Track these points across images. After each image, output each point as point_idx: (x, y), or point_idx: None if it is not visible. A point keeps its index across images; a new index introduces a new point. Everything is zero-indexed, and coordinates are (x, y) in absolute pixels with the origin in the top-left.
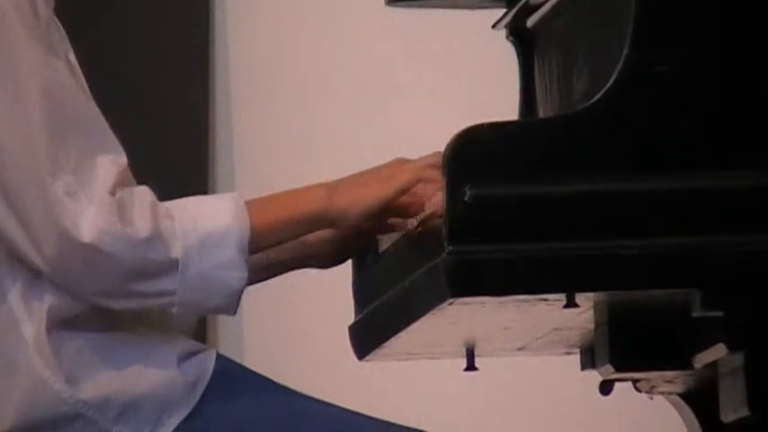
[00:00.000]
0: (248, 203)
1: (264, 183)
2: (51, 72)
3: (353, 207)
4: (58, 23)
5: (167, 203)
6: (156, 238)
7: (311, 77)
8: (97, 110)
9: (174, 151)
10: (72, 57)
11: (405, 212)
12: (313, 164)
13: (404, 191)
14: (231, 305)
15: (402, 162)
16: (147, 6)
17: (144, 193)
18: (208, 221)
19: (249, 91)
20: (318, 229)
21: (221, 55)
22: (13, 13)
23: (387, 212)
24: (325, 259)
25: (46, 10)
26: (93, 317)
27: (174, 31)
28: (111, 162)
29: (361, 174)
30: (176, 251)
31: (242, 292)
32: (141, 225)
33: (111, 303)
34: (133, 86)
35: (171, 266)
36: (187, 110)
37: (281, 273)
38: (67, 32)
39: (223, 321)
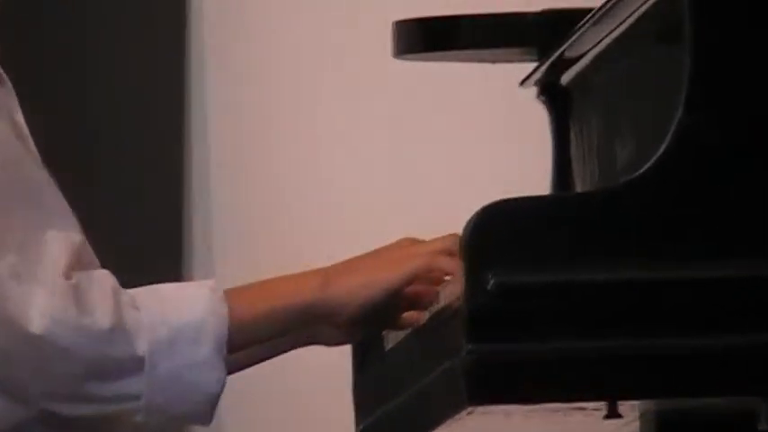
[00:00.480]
0: (228, 293)
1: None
2: None
3: (352, 298)
4: (4, 76)
5: (132, 291)
6: (119, 330)
7: (308, 133)
8: (48, 178)
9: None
10: (19, 117)
11: (415, 304)
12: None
13: (413, 279)
14: (206, 413)
15: (411, 243)
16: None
17: (104, 278)
18: (180, 313)
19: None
20: (311, 324)
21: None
22: None
23: (393, 304)
24: (331, 338)
25: None
26: (40, 428)
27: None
28: (63, 238)
29: (362, 257)
30: (142, 347)
31: (218, 397)
32: (102, 315)
33: (63, 409)
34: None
35: (136, 365)
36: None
37: (273, 355)
38: (33, 36)
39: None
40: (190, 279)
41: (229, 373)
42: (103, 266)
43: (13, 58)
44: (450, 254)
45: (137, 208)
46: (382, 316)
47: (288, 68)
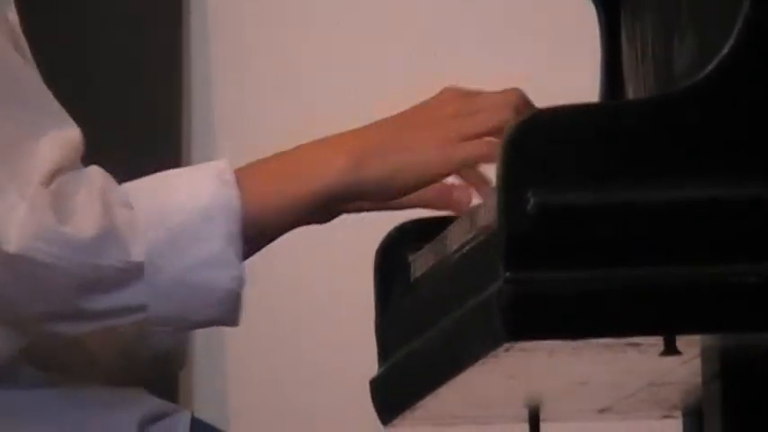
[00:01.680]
0: (240, 175)
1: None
2: None
3: (391, 182)
4: None
5: (126, 186)
6: (109, 236)
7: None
8: (38, 78)
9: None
10: (12, 15)
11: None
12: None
13: (463, 166)
14: (229, 314)
15: (457, 98)
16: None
17: (92, 176)
18: (181, 206)
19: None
20: (337, 209)
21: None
22: None
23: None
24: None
25: None
26: (27, 366)
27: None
28: (55, 140)
29: (402, 122)
30: (138, 251)
31: (239, 295)
32: (86, 221)
33: (61, 328)
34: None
35: (133, 272)
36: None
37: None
38: (36, 29)
39: (200, 372)
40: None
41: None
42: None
43: None
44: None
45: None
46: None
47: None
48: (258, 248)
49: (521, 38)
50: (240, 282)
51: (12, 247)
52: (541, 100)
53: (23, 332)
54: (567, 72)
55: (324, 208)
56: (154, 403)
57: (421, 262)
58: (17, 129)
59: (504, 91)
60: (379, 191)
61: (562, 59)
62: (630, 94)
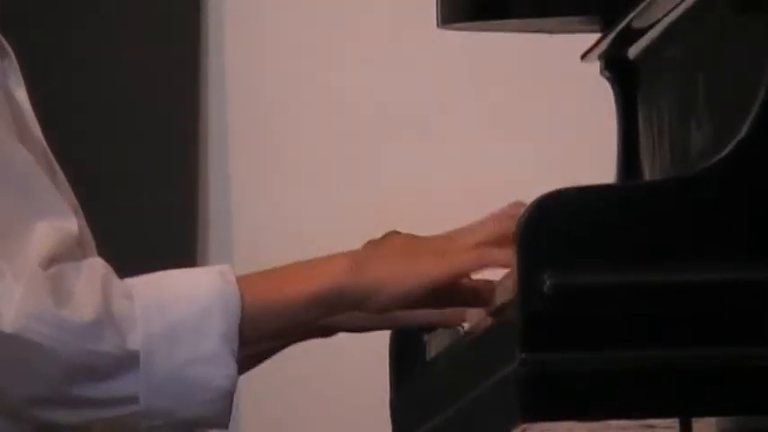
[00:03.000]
0: (241, 278)
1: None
2: None
3: (388, 286)
4: (6, 48)
5: (131, 280)
6: (106, 323)
7: (344, 105)
8: (34, 162)
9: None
10: (20, 93)
11: (467, 300)
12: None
13: (460, 276)
14: (220, 413)
15: (456, 233)
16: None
17: (94, 266)
18: (181, 301)
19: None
20: (336, 314)
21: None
22: None
23: (439, 299)
24: (356, 325)
25: None
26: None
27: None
28: (51, 229)
29: (398, 242)
30: (135, 341)
31: (231, 395)
32: (84, 306)
33: (52, 415)
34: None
35: (128, 362)
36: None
37: (287, 345)
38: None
39: None
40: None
41: (241, 370)
42: (109, 258)
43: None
44: (505, 241)
45: (148, 196)
46: (422, 308)
47: (314, 39)
48: (254, 350)
49: (538, 116)
50: (233, 381)
51: (6, 326)
52: (558, 180)
53: (17, 421)
54: (584, 151)
55: (321, 311)
56: None
57: (437, 342)
58: (13, 212)
59: (507, 206)
60: (376, 296)
61: (579, 139)
62: (647, 173)
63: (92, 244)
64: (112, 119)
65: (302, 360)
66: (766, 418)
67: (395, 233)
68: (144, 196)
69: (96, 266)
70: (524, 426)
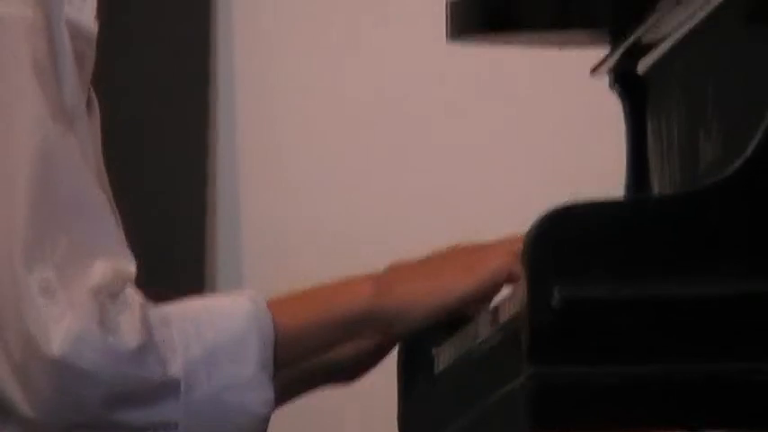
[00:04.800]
0: (271, 303)
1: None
2: (57, 138)
3: (414, 307)
4: (94, 99)
5: (163, 306)
6: (149, 350)
7: (349, 119)
8: (107, 203)
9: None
10: (98, 147)
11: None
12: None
13: (491, 287)
14: None
15: (474, 247)
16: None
17: (131, 296)
18: (218, 328)
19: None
20: (361, 335)
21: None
22: (27, 56)
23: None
24: (350, 371)
25: (75, 73)
26: None
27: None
28: (110, 267)
29: (424, 261)
30: (176, 368)
31: (267, 421)
32: (128, 333)
33: None
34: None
35: (170, 388)
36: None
37: (300, 393)
38: None
39: None
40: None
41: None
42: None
43: None
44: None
45: (159, 213)
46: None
47: (324, 51)
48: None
49: (547, 129)
50: (270, 406)
51: (55, 351)
52: (567, 192)
53: None
54: (594, 165)
55: (348, 335)
56: None
57: (445, 355)
58: (78, 243)
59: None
60: (405, 316)
61: (588, 152)
62: (656, 186)
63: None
64: (120, 113)
65: None
66: None
67: (465, 244)
68: (153, 198)
69: (133, 296)
70: None
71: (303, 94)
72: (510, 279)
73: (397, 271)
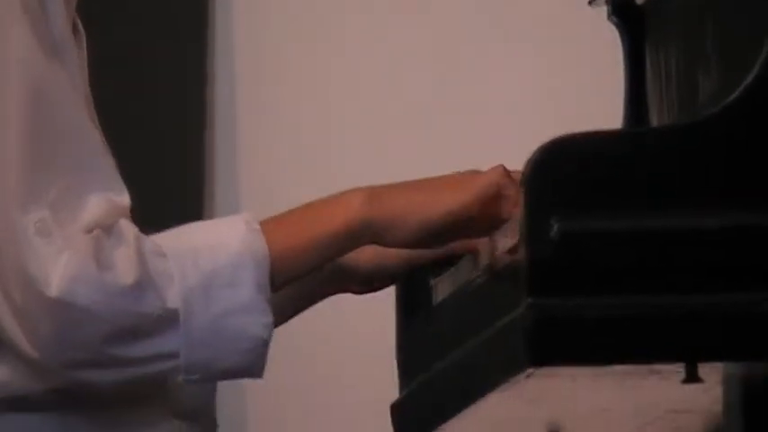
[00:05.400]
0: (264, 224)
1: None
2: (49, 75)
3: (409, 217)
4: (79, 27)
5: (157, 237)
6: (146, 283)
7: (333, 61)
8: (101, 140)
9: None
10: (84, 63)
11: (486, 229)
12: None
13: (482, 202)
14: (256, 362)
15: (474, 170)
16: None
17: (124, 228)
18: (213, 254)
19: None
20: (360, 246)
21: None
22: None
23: (456, 231)
24: (363, 282)
25: (62, 4)
26: (54, 392)
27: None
28: (104, 200)
29: (416, 180)
30: (174, 298)
31: (268, 343)
32: (125, 268)
33: (93, 376)
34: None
35: (169, 319)
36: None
37: (309, 305)
38: None
39: (221, 399)
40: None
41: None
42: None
43: None
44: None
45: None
46: (438, 244)
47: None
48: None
49: (545, 65)
50: (270, 329)
51: (53, 291)
52: (565, 126)
53: (45, 379)
54: (592, 98)
55: (345, 247)
56: (179, 429)
57: (443, 286)
58: (72, 180)
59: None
60: (398, 227)
61: (586, 86)
62: (654, 120)
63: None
64: (117, 83)
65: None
66: None
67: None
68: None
69: (127, 228)
70: (530, 370)
71: (299, 90)
72: (502, 194)
73: (388, 185)
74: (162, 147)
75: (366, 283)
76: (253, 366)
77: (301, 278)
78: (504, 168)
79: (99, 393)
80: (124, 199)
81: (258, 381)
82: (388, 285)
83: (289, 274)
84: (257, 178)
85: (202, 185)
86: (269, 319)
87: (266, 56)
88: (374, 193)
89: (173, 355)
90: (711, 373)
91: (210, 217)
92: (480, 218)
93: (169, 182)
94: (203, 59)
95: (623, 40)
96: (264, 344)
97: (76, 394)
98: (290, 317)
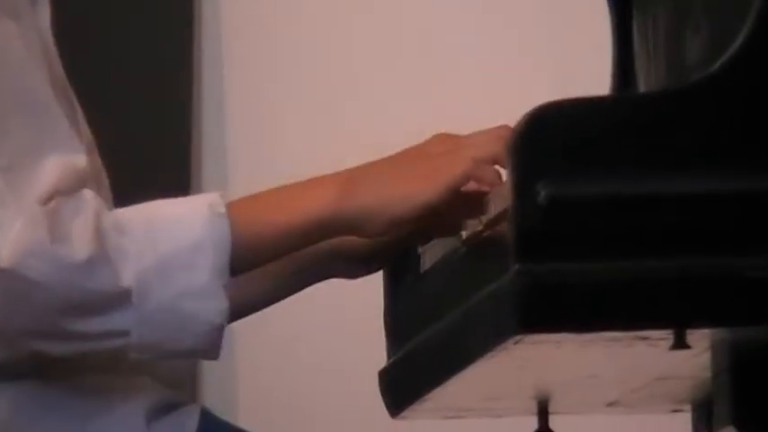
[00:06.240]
0: (231, 207)
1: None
2: None
3: (379, 212)
4: None
5: (121, 212)
6: (100, 260)
7: (321, 35)
8: (53, 96)
9: (154, 153)
10: (46, 25)
11: (461, 211)
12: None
13: (454, 193)
14: (211, 346)
15: (446, 140)
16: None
17: (87, 200)
18: (172, 235)
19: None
20: (328, 238)
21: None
22: None
23: (432, 215)
24: (353, 266)
25: None
26: (31, 359)
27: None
28: (59, 161)
29: (390, 161)
30: (128, 277)
31: (223, 328)
32: (79, 244)
33: (44, 346)
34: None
35: (122, 298)
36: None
37: (297, 289)
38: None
39: (210, 366)
40: (200, 190)
41: (238, 315)
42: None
43: None
44: (495, 161)
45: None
46: (418, 229)
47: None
48: (250, 305)
49: (531, 31)
50: (224, 315)
51: (3, 262)
52: (552, 93)
53: (8, 347)
54: (578, 65)
55: (312, 239)
56: (162, 394)
57: (431, 253)
58: (25, 143)
59: (494, 128)
60: (368, 221)
61: (573, 53)
62: (642, 87)
63: (105, 182)
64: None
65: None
66: (760, 328)
67: (440, 135)
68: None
69: (89, 201)
70: (518, 337)
71: (293, 83)
72: (474, 178)
73: (363, 171)
74: (148, 121)
75: (365, 264)
76: (207, 349)
77: (260, 266)
78: (497, 131)
79: (78, 362)
80: (79, 160)
81: (248, 354)
82: (386, 265)
83: (252, 260)
84: (244, 153)
85: (189, 161)
86: (224, 304)
87: (254, 32)
88: (346, 185)
89: (123, 333)
90: (700, 339)
91: (198, 192)
92: (454, 207)
93: (155, 156)
94: (191, 41)
95: (610, 8)
96: (219, 328)
97: (53, 363)
98: (284, 297)
